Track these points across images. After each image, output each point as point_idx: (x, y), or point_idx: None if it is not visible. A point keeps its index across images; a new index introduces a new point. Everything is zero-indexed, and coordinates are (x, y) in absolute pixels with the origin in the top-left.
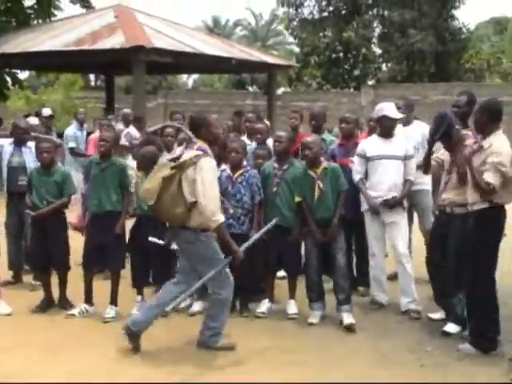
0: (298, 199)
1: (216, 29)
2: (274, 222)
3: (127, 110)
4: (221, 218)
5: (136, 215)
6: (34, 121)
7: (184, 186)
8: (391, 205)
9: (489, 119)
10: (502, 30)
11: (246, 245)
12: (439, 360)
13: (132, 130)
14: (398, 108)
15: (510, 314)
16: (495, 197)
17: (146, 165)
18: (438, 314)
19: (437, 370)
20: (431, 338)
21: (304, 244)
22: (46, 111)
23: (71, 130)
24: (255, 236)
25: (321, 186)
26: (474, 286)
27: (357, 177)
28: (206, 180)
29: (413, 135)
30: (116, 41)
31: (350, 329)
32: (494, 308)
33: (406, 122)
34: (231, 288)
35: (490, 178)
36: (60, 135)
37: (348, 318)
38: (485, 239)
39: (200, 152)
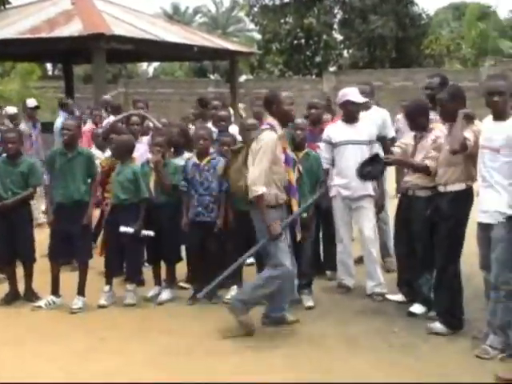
0: None
1: (176, 16)
2: (316, 196)
3: (107, 97)
4: (260, 189)
5: (110, 204)
6: (12, 110)
7: (249, 159)
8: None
9: (460, 104)
10: (460, 16)
11: (286, 222)
12: (406, 340)
13: (112, 119)
14: (364, 93)
15: (473, 295)
16: (470, 176)
17: (123, 153)
18: (397, 296)
19: (404, 350)
20: (398, 320)
21: None
22: (31, 102)
23: (60, 122)
24: (296, 213)
25: (300, 169)
26: (444, 266)
27: (324, 165)
28: (259, 151)
29: (371, 120)
30: (74, 28)
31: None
32: (460, 288)
33: (365, 108)
34: (288, 273)
35: (469, 135)
36: (46, 125)
37: (308, 301)
38: (459, 220)
39: (267, 126)
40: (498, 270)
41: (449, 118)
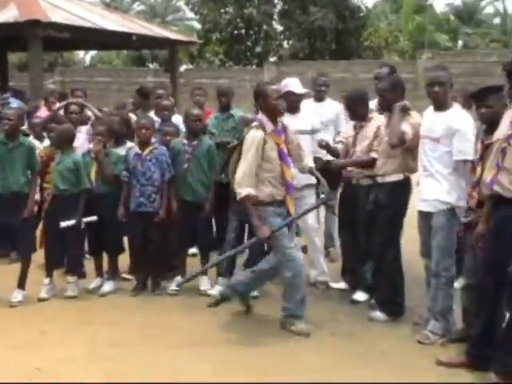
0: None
1: (113, 3)
2: (320, 201)
3: (52, 86)
4: (244, 191)
5: (51, 195)
6: None
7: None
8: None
9: (400, 95)
10: (397, 9)
11: (282, 224)
12: (350, 328)
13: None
14: (324, 85)
15: (413, 281)
16: (408, 168)
17: (63, 142)
18: (340, 284)
19: (348, 337)
20: (341, 307)
21: (227, 218)
22: None
23: None
24: (295, 215)
25: None
26: (383, 254)
27: None
28: (244, 151)
29: (325, 111)
30: (9, 14)
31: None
32: (401, 275)
33: (319, 99)
34: (297, 268)
35: (407, 128)
36: None
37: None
38: (397, 209)
39: (256, 123)
40: (438, 257)
41: (387, 107)
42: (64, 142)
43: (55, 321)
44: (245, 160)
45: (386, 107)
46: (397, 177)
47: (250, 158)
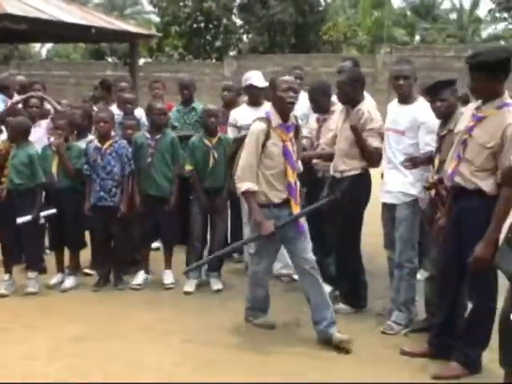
0: (188, 167)
1: None
2: (320, 202)
3: (21, 77)
4: (243, 186)
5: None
6: None
7: None
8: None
9: (360, 88)
10: (356, 3)
11: (284, 222)
12: None
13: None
14: (297, 77)
15: (375, 272)
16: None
17: (18, 136)
18: None
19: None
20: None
21: (189, 212)
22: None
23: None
24: (297, 214)
25: (215, 155)
26: (344, 248)
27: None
28: (245, 144)
29: (298, 106)
30: None
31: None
32: (361, 267)
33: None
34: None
35: (376, 142)
36: None
37: (216, 284)
38: (357, 203)
39: (262, 115)
40: (401, 248)
41: (346, 101)
42: (19, 136)
43: (16, 317)
44: (244, 153)
45: (344, 100)
46: (355, 171)
47: (249, 150)
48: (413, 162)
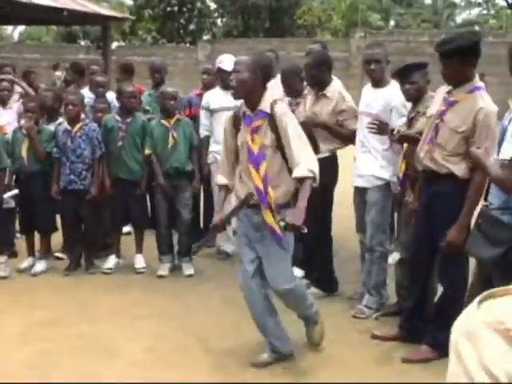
0: (147, 151)
1: None
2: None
3: None
4: (218, 179)
5: None
6: None
7: None
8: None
9: (327, 71)
10: None
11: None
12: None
13: None
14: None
15: (348, 257)
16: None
17: None
18: None
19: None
20: None
21: (153, 198)
22: None
23: None
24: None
25: (175, 135)
26: (314, 233)
27: (203, 132)
28: None
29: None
30: None
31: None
32: (331, 252)
33: None
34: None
35: (353, 124)
36: None
37: (188, 269)
38: (326, 186)
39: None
40: (372, 231)
41: (313, 83)
42: None
43: None
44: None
45: (312, 83)
46: (324, 154)
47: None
48: (380, 128)
